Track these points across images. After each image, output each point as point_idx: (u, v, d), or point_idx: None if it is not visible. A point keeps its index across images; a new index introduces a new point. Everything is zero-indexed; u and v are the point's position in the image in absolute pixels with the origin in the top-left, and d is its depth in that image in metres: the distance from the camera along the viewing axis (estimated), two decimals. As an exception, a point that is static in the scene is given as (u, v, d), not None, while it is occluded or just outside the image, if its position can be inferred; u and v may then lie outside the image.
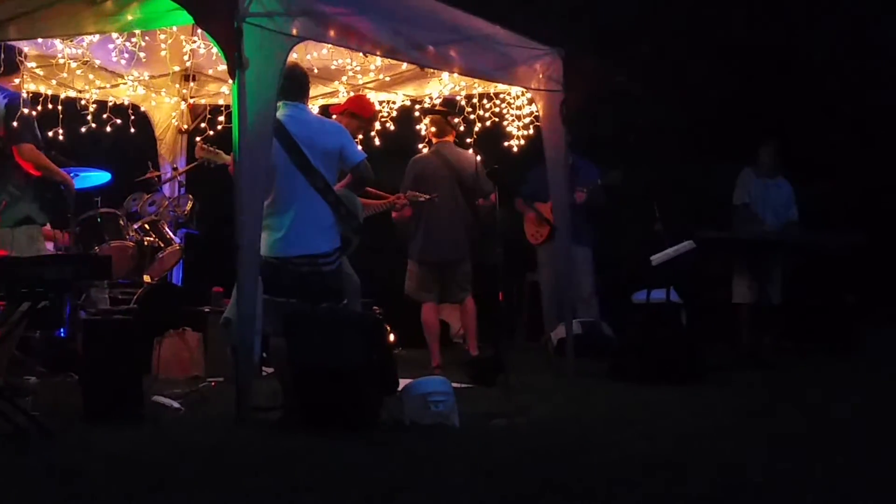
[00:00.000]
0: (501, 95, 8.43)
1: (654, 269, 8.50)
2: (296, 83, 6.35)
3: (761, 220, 9.44)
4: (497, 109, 8.50)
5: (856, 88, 11.20)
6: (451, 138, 8.54)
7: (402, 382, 6.10)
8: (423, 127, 8.62)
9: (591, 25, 11.08)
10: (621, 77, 10.44)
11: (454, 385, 6.25)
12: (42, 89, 8.01)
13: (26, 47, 7.22)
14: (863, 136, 11.17)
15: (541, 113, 8.09)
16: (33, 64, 7.63)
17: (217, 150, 6.70)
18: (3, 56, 6.83)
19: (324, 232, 6.24)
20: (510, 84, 8.03)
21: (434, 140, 8.58)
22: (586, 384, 7.68)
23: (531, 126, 8.37)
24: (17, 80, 7.03)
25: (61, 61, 7.26)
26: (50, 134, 7.24)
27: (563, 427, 6.12)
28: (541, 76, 7.93)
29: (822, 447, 5.48)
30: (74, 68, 7.45)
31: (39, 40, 6.89)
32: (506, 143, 8.61)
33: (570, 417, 6.42)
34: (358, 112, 7.68)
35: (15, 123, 6.71)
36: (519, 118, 8.43)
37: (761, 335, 9.33)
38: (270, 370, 6.99)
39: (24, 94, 6.97)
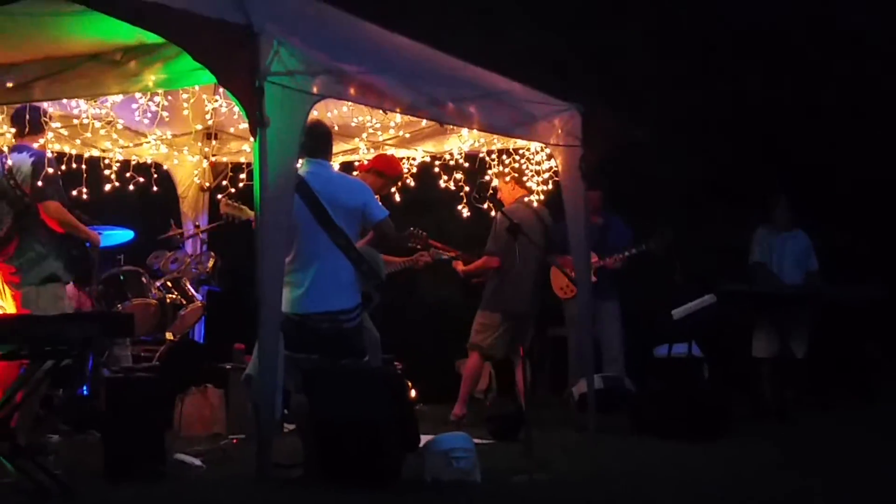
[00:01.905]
0: (521, 151, 8.46)
1: (675, 322, 8.48)
2: (319, 140, 6.40)
3: (777, 278, 9.40)
4: (516, 165, 8.54)
5: (874, 139, 11.18)
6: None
7: (424, 438, 6.09)
8: (496, 186, 8.68)
9: (607, 80, 11.12)
10: (638, 131, 10.47)
11: (475, 441, 6.22)
12: (66, 149, 8.10)
13: (51, 108, 7.32)
14: (882, 187, 11.14)
15: (560, 168, 8.12)
16: (58, 124, 7.72)
17: (241, 206, 6.75)
18: (28, 116, 6.93)
19: (345, 289, 6.26)
20: (529, 140, 8.07)
21: (512, 195, 8.64)
22: (608, 439, 7.64)
23: (550, 181, 8.40)
24: (41, 140, 7.13)
25: (85, 121, 7.34)
26: (74, 193, 7.30)
27: (585, 483, 6.09)
28: (559, 131, 7.97)
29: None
30: (98, 128, 7.53)
31: (64, 101, 6.97)
32: (525, 199, 8.66)
33: (592, 473, 6.38)
34: (384, 170, 7.73)
35: (40, 182, 6.80)
36: (538, 173, 8.46)
37: (784, 389, 9.27)
38: (292, 427, 6.98)
39: (49, 154, 7.06)
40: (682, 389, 8.15)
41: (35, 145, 7.02)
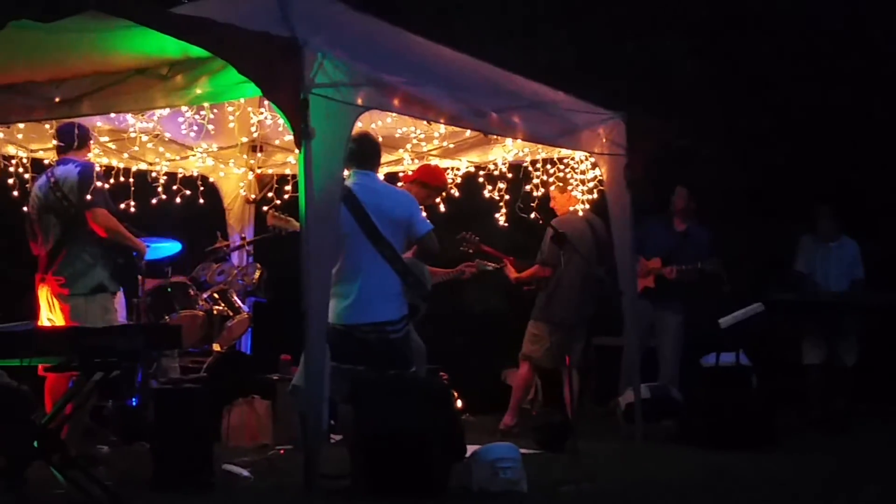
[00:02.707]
0: (565, 160, 8.44)
1: (722, 331, 8.42)
2: (367, 151, 6.43)
3: (819, 287, 9.32)
4: (561, 174, 8.52)
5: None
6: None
7: (470, 449, 6.08)
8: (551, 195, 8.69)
9: (652, 88, 11.08)
10: (684, 139, 10.43)
11: (522, 451, 6.21)
12: (114, 162, 8.19)
13: (99, 122, 7.40)
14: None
15: (605, 177, 8.09)
16: (106, 138, 7.81)
17: (288, 218, 6.79)
18: (76, 132, 7.02)
19: (391, 299, 6.27)
20: (573, 149, 8.05)
21: (565, 205, 8.67)
22: (655, 449, 7.60)
23: (595, 190, 8.38)
24: (89, 155, 7.22)
25: (132, 135, 7.41)
26: (122, 206, 7.37)
27: (631, 493, 6.06)
28: (604, 140, 7.95)
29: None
30: (145, 142, 7.60)
31: (111, 115, 7.04)
32: (570, 207, 8.65)
33: (638, 483, 6.35)
34: (428, 181, 7.74)
35: (88, 195, 6.87)
36: (583, 182, 8.44)
37: (834, 398, 9.17)
38: (339, 437, 7.00)
39: (98, 168, 7.14)
40: (730, 399, 8.09)
41: (82, 159, 7.10)
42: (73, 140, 7.05)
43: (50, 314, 6.95)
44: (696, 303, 9.21)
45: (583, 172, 8.40)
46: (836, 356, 9.07)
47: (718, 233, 9.55)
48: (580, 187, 8.46)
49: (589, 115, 7.88)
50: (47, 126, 7.29)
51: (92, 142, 7.32)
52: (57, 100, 6.50)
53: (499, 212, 8.35)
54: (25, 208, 7.25)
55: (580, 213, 8.61)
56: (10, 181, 7.47)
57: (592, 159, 8.15)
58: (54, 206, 6.99)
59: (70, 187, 6.93)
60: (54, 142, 7.15)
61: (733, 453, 7.29)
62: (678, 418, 8.37)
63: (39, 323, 6.87)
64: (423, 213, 6.78)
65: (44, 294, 7.01)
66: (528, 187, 8.38)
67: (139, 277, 7.62)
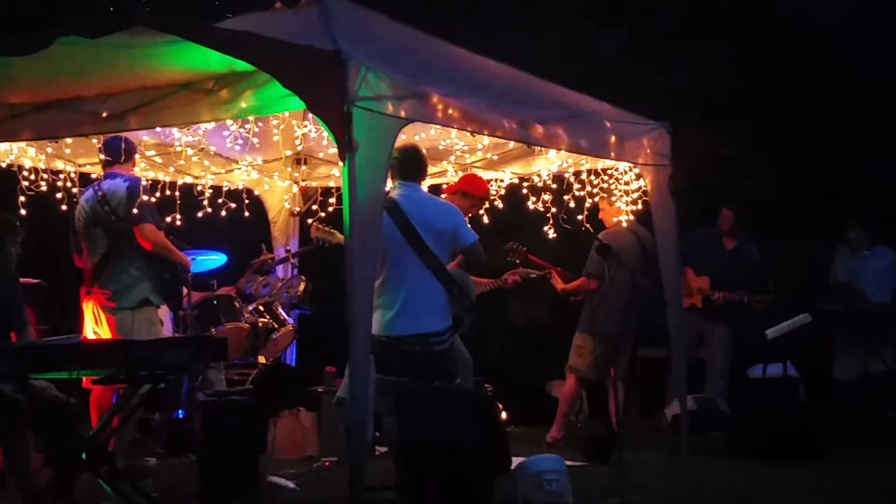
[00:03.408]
0: (609, 171, 8.41)
1: (770, 342, 8.35)
2: (411, 163, 6.44)
3: (861, 295, 9.23)
4: (605, 185, 8.49)
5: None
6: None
7: (516, 461, 6.07)
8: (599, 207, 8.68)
9: (697, 97, 11.03)
10: (729, 148, 10.37)
11: (567, 463, 6.19)
12: (160, 176, 8.25)
13: (145, 136, 7.47)
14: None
15: (649, 188, 8.05)
16: (152, 152, 7.88)
17: (332, 231, 6.80)
18: (123, 146, 7.09)
19: (436, 311, 6.26)
20: (617, 160, 8.01)
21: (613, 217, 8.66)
22: (702, 461, 7.54)
23: (639, 201, 8.34)
24: (135, 169, 7.28)
25: (178, 149, 7.46)
26: (168, 219, 7.43)
27: (678, 505, 6.03)
28: (648, 151, 7.90)
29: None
30: (191, 155, 7.66)
31: (158, 129, 7.10)
32: (615, 219, 8.62)
33: (685, 495, 6.31)
34: (470, 191, 7.74)
35: (135, 209, 6.94)
36: (627, 193, 8.40)
37: (884, 409, 9.07)
38: (384, 450, 7.00)
39: (144, 182, 7.20)
40: (778, 410, 8.01)
41: (128, 173, 7.17)
42: (119, 154, 7.12)
43: (96, 327, 7.01)
44: (745, 317, 9.14)
45: (627, 183, 8.36)
46: (884, 367, 8.96)
47: (762, 242, 9.48)
48: (625, 198, 8.43)
49: (633, 125, 7.84)
50: (94, 141, 7.36)
51: (137, 155, 7.39)
52: (104, 114, 6.55)
53: (543, 223, 8.33)
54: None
55: (627, 225, 8.57)
56: (59, 195, 7.55)
57: (637, 170, 8.11)
58: (102, 220, 7.06)
59: (118, 202, 7.00)
60: (101, 156, 7.22)
61: (781, 465, 7.23)
62: (725, 430, 8.30)
63: (85, 336, 6.93)
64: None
65: (90, 307, 7.08)
66: (567, 198, 8.36)
67: (184, 291, 7.66)
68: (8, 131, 6.90)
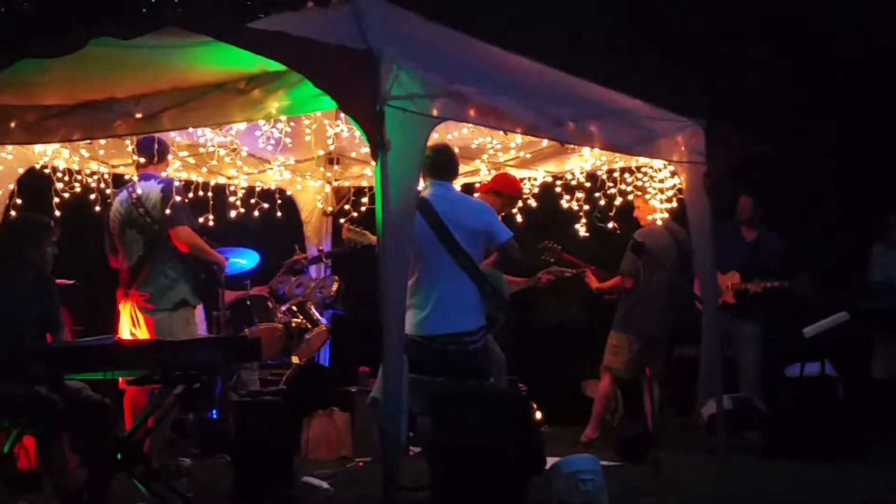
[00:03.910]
0: (643, 169, 8.36)
1: (807, 341, 8.27)
2: (443, 162, 6.42)
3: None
4: (639, 183, 8.44)
5: None
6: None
7: (550, 460, 6.03)
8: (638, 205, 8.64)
9: (731, 95, 10.95)
10: (763, 146, 10.28)
11: (603, 463, 6.15)
12: (193, 177, 8.28)
13: (178, 137, 7.49)
14: None
15: (684, 185, 8.00)
16: (185, 153, 7.90)
17: (364, 231, 6.80)
18: (156, 146, 7.11)
19: (469, 310, 6.24)
20: (651, 157, 7.96)
21: (646, 216, 8.62)
22: (739, 461, 7.48)
23: (674, 199, 8.29)
24: (168, 170, 7.31)
25: (211, 149, 7.48)
26: (200, 220, 7.45)
27: (715, 505, 5.98)
28: (683, 148, 7.85)
29: None
30: (223, 156, 7.67)
31: (190, 130, 7.12)
32: (650, 217, 8.57)
33: (722, 495, 6.26)
34: (502, 190, 7.72)
35: (169, 209, 6.95)
36: (662, 191, 8.35)
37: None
38: (418, 449, 6.98)
39: (178, 183, 7.21)
40: (816, 410, 7.93)
41: (162, 174, 7.19)
42: (152, 154, 7.14)
43: (134, 329, 7.02)
44: (775, 313, 9.05)
45: (661, 181, 8.32)
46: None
47: (800, 240, 9.39)
48: (659, 196, 8.38)
49: (667, 122, 7.79)
50: (127, 142, 7.39)
51: (170, 156, 7.41)
52: (137, 115, 6.58)
53: (577, 222, 8.29)
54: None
55: (663, 224, 8.52)
56: (93, 196, 7.58)
57: (671, 167, 8.06)
58: (137, 222, 7.08)
59: (153, 204, 7.01)
60: (135, 157, 7.24)
61: (819, 466, 7.15)
62: (762, 430, 8.22)
63: (119, 337, 6.95)
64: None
65: (127, 309, 7.10)
66: (601, 196, 8.31)
67: (219, 291, 7.68)
68: (42, 132, 6.94)
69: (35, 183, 7.56)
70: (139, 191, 7.11)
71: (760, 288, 8.86)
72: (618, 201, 8.34)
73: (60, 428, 5.64)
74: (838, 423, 7.81)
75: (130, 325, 7.06)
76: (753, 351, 9.06)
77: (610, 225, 8.23)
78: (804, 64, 11.28)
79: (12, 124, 6.89)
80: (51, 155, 7.46)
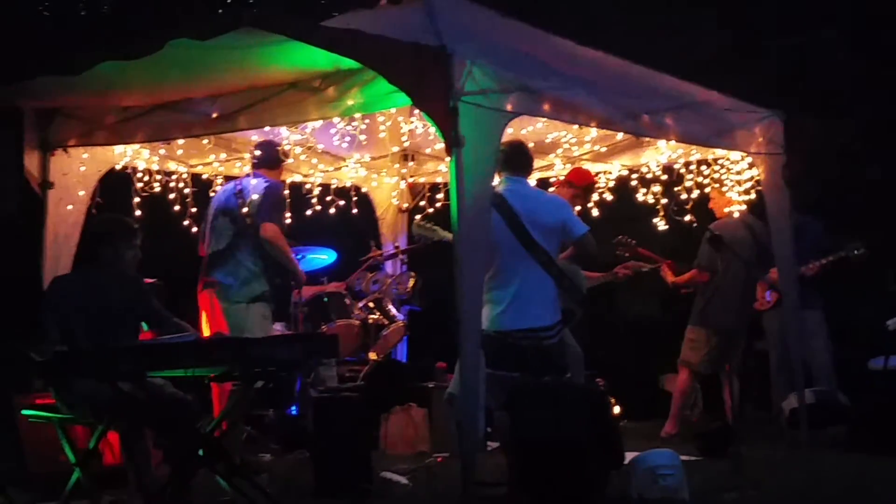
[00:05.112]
0: (720, 161, 8.28)
1: (891, 333, 8.12)
2: (518, 157, 6.42)
3: None
4: (716, 175, 8.36)
5: None
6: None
7: (629, 455, 6.00)
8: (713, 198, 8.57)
9: (811, 85, 10.79)
10: (844, 136, 10.11)
11: (682, 458, 6.09)
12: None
13: (254, 136, 7.56)
14: None
15: (762, 177, 7.90)
16: (260, 152, 7.96)
17: (433, 227, 6.78)
18: (278, 153, 7.22)
19: (546, 305, 6.22)
20: (728, 149, 7.88)
21: (724, 207, 8.55)
22: (822, 456, 7.37)
23: (752, 191, 8.19)
24: (282, 177, 7.37)
25: (287, 148, 7.54)
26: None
27: (797, 501, 5.89)
28: (760, 140, 7.75)
29: None
30: (299, 154, 7.73)
31: (266, 128, 7.18)
32: (726, 209, 8.48)
33: (805, 491, 6.17)
34: (573, 181, 7.73)
35: (265, 205, 7.00)
36: (739, 183, 8.25)
37: None
38: (495, 445, 6.98)
39: (285, 189, 7.27)
40: (900, 403, 7.79)
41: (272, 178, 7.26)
42: (269, 158, 7.26)
43: (209, 318, 7.07)
44: (835, 296, 8.87)
45: (739, 173, 8.22)
46: None
47: (880, 232, 9.20)
48: (736, 188, 8.28)
49: (744, 113, 7.70)
50: (205, 141, 7.48)
51: (284, 165, 7.44)
52: (214, 115, 6.67)
53: (654, 215, 8.22)
54: (186, 222, 7.46)
55: (739, 216, 8.42)
56: (172, 196, 7.69)
57: (749, 159, 7.96)
58: (231, 211, 7.14)
59: (253, 198, 7.06)
60: (252, 150, 7.30)
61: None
62: (846, 424, 8.09)
63: (201, 329, 7.04)
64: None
65: (205, 296, 7.15)
66: (678, 189, 8.23)
67: (291, 304, 7.73)
68: (122, 133, 7.07)
69: (115, 184, 7.69)
70: (244, 184, 7.20)
71: (818, 268, 8.64)
72: (695, 194, 8.27)
73: (144, 424, 5.72)
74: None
75: (207, 313, 7.11)
76: (821, 340, 8.84)
77: (687, 218, 8.16)
78: (886, 52, 11.07)
79: (93, 126, 7.03)
80: (131, 156, 7.58)
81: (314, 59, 5.99)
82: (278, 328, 7.81)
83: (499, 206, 6.12)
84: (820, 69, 11.09)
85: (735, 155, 8.06)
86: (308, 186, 8.41)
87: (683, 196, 8.19)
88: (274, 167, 7.31)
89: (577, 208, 7.63)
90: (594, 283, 7.98)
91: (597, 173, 8.65)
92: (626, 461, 5.95)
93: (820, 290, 8.80)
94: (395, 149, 8.39)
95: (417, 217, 7.58)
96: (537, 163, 8.52)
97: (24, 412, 6.10)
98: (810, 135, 7.95)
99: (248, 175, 7.34)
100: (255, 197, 7.05)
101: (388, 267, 9.46)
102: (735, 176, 8.25)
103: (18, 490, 5.92)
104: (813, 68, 11.06)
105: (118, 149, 7.46)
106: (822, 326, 8.86)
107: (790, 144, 7.84)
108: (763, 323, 9.07)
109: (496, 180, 6.25)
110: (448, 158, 5.75)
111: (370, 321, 8.67)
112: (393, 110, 7.24)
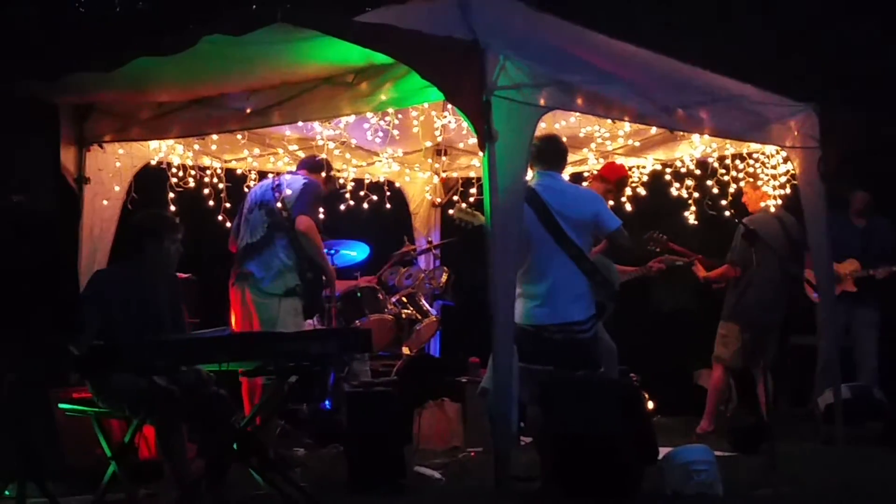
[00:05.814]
0: (755, 155, 8.23)
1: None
2: (551, 152, 6.40)
3: None
4: (751, 169, 8.31)
5: None
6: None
7: (663, 451, 5.98)
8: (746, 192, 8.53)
9: (847, 79, 10.70)
10: (882, 129, 10.02)
11: (716, 453, 6.07)
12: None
13: (287, 131, 7.59)
14: None
15: (797, 171, 7.85)
16: (294, 146, 7.99)
17: (475, 212, 6.76)
18: (322, 161, 7.32)
19: (579, 299, 6.21)
20: (763, 143, 7.83)
21: (757, 201, 8.52)
22: (857, 452, 7.33)
23: (787, 185, 8.14)
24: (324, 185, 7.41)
25: (320, 143, 7.56)
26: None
27: (832, 497, 5.86)
28: (796, 133, 7.69)
29: None
30: (332, 149, 7.75)
31: (300, 123, 7.20)
32: (760, 204, 8.43)
33: (840, 486, 6.13)
34: (606, 175, 7.71)
35: (303, 202, 7.02)
36: (774, 177, 8.20)
37: None
38: (529, 440, 6.97)
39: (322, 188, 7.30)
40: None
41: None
42: (313, 163, 7.34)
43: (240, 312, 7.08)
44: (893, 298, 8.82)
45: (774, 167, 8.17)
46: None
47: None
48: (771, 182, 8.23)
49: (779, 107, 7.64)
50: (239, 136, 7.51)
51: (324, 174, 7.46)
52: (248, 111, 6.70)
53: (687, 210, 8.19)
54: (220, 217, 7.49)
55: (772, 211, 8.37)
56: (206, 191, 7.72)
57: (784, 153, 7.91)
58: (268, 203, 7.15)
59: (290, 193, 7.09)
60: (246, 151, 7.34)
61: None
62: (882, 420, 8.03)
63: (232, 323, 7.06)
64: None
65: (236, 291, 7.16)
66: (711, 183, 8.18)
67: (320, 302, 7.74)
68: (157, 129, 7.12)
69: (150, 179, 7.73)
70: (283, 179, 7.24)
71: (888, 273, 8.63)
72: (731, 188, 8.22)
73: (179, 418, 5.76)
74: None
75: (239, 304, 7.12)
76: (871, 338, 8.85)
77: (726, 213, 8.11)
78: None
79: (128, 122, 7.08)
80: (165, 151, 7.63)
81: (347, 54, 6.00)
82: (312, 323, 7.83)
83: (532, 200, 6.11)
84: (857, 60, 10.99)
85: (770, 149, 8.01)
86: (341, 181, 8.43)
87: (716, 191, 8.14)
88: (315, 171, 7.34)
89: (611, 203, 7.62)
90: (628, 277, 7.96)
91: (630, 168, 8.63)
92: (660, 457, 5.93)
93: (877, 290, 8.75)
94: (429, 143, 8.39)
95: (451, 211, 7.58)
96: (571, 157, 8.51)
97: (61, 405, 6.16)
98: (847, 128, 7.87)
99: (290, 173, 7.38)
100: (289, 192, 7.08)
101: (422, 261, 9.47)
102: (770, 170, 8.21)
103: (56, 483, 5.97)
104: (850, 59, 10.97)
105: (153, 144, 7.51)
106: (874, 324, 8.82)
107: (826, 138, 7.78)
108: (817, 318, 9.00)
109: (529, 175, 6.24)
110: (481, 153, 5.76)
111: (403, 316, 8.68)
112: (426, 105, 7.24)
